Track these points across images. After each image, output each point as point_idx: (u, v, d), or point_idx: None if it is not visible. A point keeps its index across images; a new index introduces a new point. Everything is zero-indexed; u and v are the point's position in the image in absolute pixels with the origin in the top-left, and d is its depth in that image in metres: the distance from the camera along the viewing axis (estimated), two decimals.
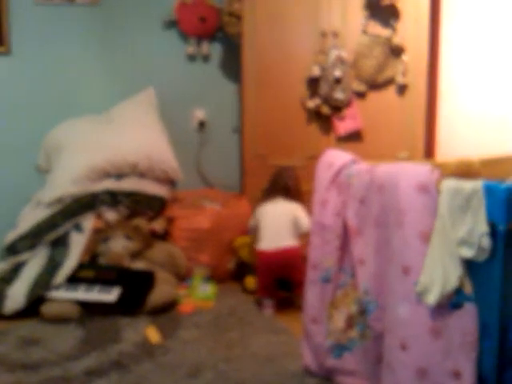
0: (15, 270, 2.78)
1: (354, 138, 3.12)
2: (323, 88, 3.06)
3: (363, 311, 1.93)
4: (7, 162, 3.28)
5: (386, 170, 1.85)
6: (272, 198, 2.82)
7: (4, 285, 2.70)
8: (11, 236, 2.89)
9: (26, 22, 3.23)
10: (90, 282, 2.74)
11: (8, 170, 3.28)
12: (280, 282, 2.82)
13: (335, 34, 3.07)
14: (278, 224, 2.74)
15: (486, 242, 1.54)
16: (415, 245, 1.69)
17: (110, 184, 3.01)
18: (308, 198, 2.49)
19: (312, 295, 2.12)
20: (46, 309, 2.63)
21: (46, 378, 2.12)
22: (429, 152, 3.11)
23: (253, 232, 2.90)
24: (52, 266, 2.76)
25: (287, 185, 2.83)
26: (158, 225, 3.09)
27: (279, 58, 3.21)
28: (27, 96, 3.30)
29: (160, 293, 2.75)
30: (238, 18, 3.33)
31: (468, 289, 1.61)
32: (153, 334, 2.47)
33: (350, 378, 2.02)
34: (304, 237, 2.72)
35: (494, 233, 1.54)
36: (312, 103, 3.11)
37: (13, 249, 2.83)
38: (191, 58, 3.65)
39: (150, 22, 3.52)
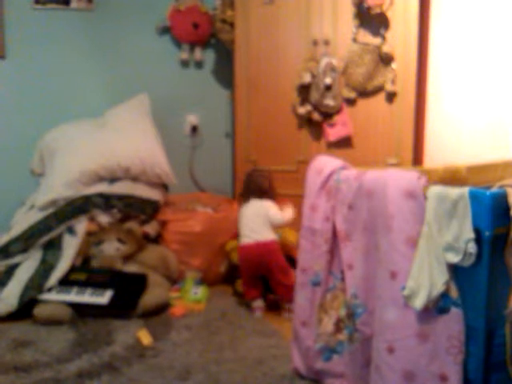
0: (8, 273, 2.76)
1: (344, 143, 3.13)
2: (314, 95, 3.06)
3: (352, 315, 1.93)
4: (1, 165, 3.26)
5: (374, 176, 1.86)
6: (247, 199, 2.83)
7: None
8: (4, 239, 2.87)
9: (21, 26, 3.22)
10: (83, 284, 2.72)
11: (2, 173, 3.27)
12: (266, 284, 2.81)
13: (326, 42, 3.08)
14: (252, 221, 2.75)
15: (472, 248, 1.54)
16: (402, 250, 1.69)
17: (103, 187, 3.00)
18: (298, 202, 2.50)
19: (302, 298, 2.11)
20: (39, 311, 2.60)
21: (38, 380, 2.10)
22: (417, 159, 3.12)
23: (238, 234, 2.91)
24: (45, 269, 2.74)
25: (261, 185, 2.83)
26: (151, 228, 3.08)
27: (271, 65, 3.22)
28: (22, 100, 3.29)
29: (152, 296, 2.74)
30: (231, 25, 3.33)
31: (454, 293, 1.61)
32: (144, 337, 2.45)
33: (338, 380, 2.01)
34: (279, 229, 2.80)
35: (479, 238, 1.54)
36: (303, 109, 3.12)
37: (5, 252, 2.81)
38: (184, 63, 3.65)
39: (144, 27, 3.52)
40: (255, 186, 2.84)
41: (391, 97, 3.05)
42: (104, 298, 2.67)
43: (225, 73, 3.68)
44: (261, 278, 2.79)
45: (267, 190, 2.83)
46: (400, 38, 2.98)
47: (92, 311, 2.66)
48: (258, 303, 2.77)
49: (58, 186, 2.93)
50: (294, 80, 3.13)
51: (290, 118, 3.20)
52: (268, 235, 2.74)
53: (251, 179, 2.88)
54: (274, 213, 2.75)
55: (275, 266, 2.70)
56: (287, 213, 2.75)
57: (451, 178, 2.18)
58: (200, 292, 2.92)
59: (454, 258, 1.58)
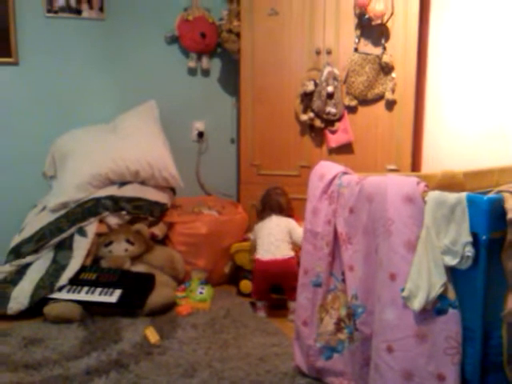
0: (19, 272, 2.76)
1: (344, 150, 3.13)
2: (316, 102, 3.06)
3: (352, 315, 1.92)
4: (15, 168, 3.27)
5: (374, 180, 1.85)
6: (266, 215, 2.81)
7: (9, 286, 2.68)
8: (16, 240, 2.87)
9: (33, 34, 3.22)
10: (93, 284, 2.72)
11: (15, 175, 3.27)
12: (273, 286, 2.81)
13: (329, 52, 3.08)
14: (273, 237, 2.72)
15: (469, 251, 1.54)
16: (402, 252, 1.68)
17: (112, 190, 3.00)
18: (301, 206, 2.50)
19: (303, 299, 2.11)
20: (50, 309, 2.60)
21: (47, 378, 2.10)
22: (415, 165, 3.11)
23: (252, 245, 2.89)
24: (56, 269, 2.74)
25: (279, 202, 2.82)
26: (159, 230, 3.08)
27: (275, 74, 3.22)
28: (34, 105, 3.29)
29: (159, 295, 2.74)
30: (237, 34, 3.34)
31: (452, 295, 1.60)
32: (152, 335, 2.45)
33: (338, 379, 2.01)
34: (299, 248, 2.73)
35: (476, 242, 1.54)
36: (305, 117, 3.12)
37: (17, 252, 2.81)
38: (192, 72, 3.66)
39: (154, 37, 3.53)
40: (274, 203, 2.81)
41: (391, 105, 3.04)
42: (113, 297, 2.67)
43: (230, 81, 3.69)
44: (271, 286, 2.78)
45: (286, 206, 2.82)
46: (400, 48, 2.98)
47: (101, 310, 2.66)
48: (263, 304, 2.76)
49: (70, 188, 2.93)
50: (297, 88, 3.13)
51: (292, 124, 3.20)
52: (287, 252, 2.70)
53: (270, 197, 2.85)
54: (298, 231, 2.67)
55: (291, 279, 2.66)
56: None
57: (449, 183, 2.18)
58: (205, 292, 2.92)
59: (451, 261, 1.58)
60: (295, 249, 2.72)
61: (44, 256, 2.81)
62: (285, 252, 2.70)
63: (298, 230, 2.69)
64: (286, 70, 3.19)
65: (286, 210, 2.82)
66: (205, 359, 2.27)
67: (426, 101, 3.08)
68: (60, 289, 2.68)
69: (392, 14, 2.94)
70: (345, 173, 2.03)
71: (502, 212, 1.54)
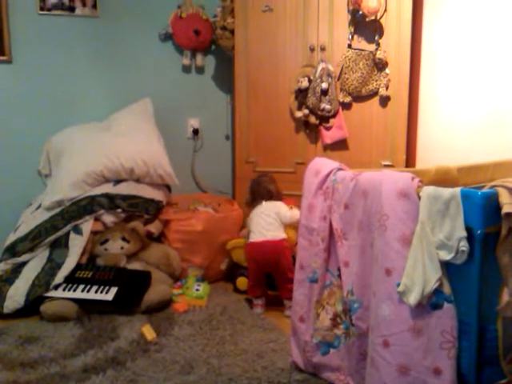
0: (15, 271, 2.74)
1: (339, 146, 3.12)
2: (311, 99, 3.06)
3: (348, 310, 1.93)
4: (9, 166, 3.25)
5: (369, 176, 1.85)
6: (257, 203, 2.83)
7: (5, 285, 2.67)
8: (11, 238, 2.85)
9: (27, 32, 3.20)
10: (89, 282, 2.71)
11: (10, 174, 3.25)
12: (269, 282, 2.81)
13: (323, 48, 3.07)
14: (263, 220, 2.76)
15: (464, 246, 1.54)
16: (397, 248, 1.68)
17: (108, 188, 2.99)
18: (296, 202, 2.50)
19: (300, 295, 2.11)
20: (46, 308, 2.59)
21: (44, 376, 2.08)
22: (409, 160, 3.11)
23: (247, 233, 2.90)
24: (51, 267, 2.73)
25: (269, 189, 2.84)
26: (154, 227, 3.07)
27: (270, 70, 3.21)
28: (28, 103, 3.27)
29: (155, 292, 2.73)
30: (231, 31, 3.33)
31: (447, 290, 1.60)
32: (148, 332, 2.44)
33: (335, 374, 2.01)
34: (292, 228, 2.77)
35: (471, 237, 1.54)
36: (300, 113, 3.11)
37: (12, 251, 2.79)
38: (186, 69, 3.65)
39: (147, 34, 3.51)
40: (264, 190, 2.84)
41: (385, 101, 3.04)
42: (109, 294, 2.66)
43: (225, 78, 3.68)
44: (266, 277, 2.78)
45: (275, 192, 2.85)
46: (393, 44, 2.98)
47: (97, 308, 2.65)
48: (260, 300, 2.76)
49: (65, 186, 2.92)
50: (291, 84, 3.13)
51: (287, 121, 3.20)
52: (278, 234, 2.73)
53: (259, 184, 2.88)
54: (284, 211, 2.76)
55: (283, 264, 2.68)
56: (295, 212, 2.73)
57: (443, 178, 2.18)
58: (201, 289, 2.92)
59: (446, 256, 1.58)
60: (289, 233, 2.76)
61: (39, 254, 2.80)
62: (275, 233, 2.73)
63: (284, 211, 2.76)
64: (281, 67, 3.19)
65: (275, 197, 2.85)
66: (202, 356, 2.26)
67: (419, 96, 3.08)
68: (56, 287, 2.67)
69: (385, 10, 2.94)
70: (340, 169, 2.03)
71: (497, 206, 1.54)
